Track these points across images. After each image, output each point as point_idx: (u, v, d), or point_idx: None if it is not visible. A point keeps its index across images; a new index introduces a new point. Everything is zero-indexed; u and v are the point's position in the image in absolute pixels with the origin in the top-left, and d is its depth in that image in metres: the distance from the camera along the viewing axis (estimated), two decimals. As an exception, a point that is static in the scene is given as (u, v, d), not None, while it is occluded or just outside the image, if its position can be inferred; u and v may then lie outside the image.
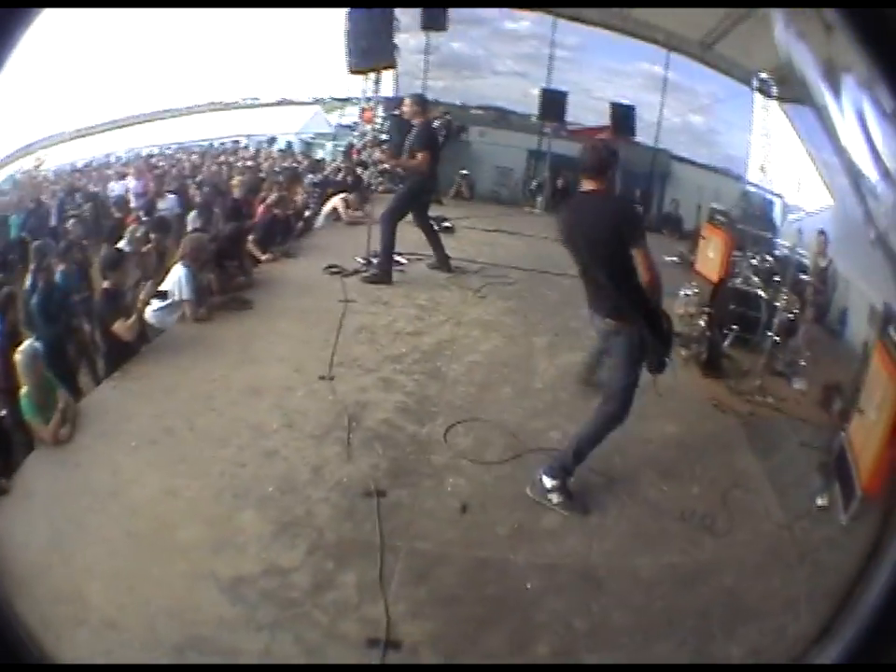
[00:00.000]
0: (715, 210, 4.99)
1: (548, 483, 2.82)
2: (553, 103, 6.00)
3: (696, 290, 4.31)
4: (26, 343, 3.31)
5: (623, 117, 5.67)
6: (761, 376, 3.75)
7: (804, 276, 4.18)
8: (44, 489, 2.80)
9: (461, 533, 2.65)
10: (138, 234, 4.78)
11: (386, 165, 5.69)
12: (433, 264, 5.10)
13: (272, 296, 4.62)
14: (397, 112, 5.45)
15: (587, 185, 2.85)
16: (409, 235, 5.01)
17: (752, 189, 4.97)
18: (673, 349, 2.95)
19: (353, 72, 5.47)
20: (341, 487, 2.84)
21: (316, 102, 7.11)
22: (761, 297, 4.16)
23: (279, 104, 6.92)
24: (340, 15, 5.06)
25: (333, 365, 3.69)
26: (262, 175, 6.45)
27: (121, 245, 4.60)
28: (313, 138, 7.29)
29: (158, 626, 2.22)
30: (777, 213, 4.71)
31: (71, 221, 4.89)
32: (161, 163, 6.31)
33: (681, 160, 5.59)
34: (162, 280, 4.25)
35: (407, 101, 5.00)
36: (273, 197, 5.51)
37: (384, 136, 6.02)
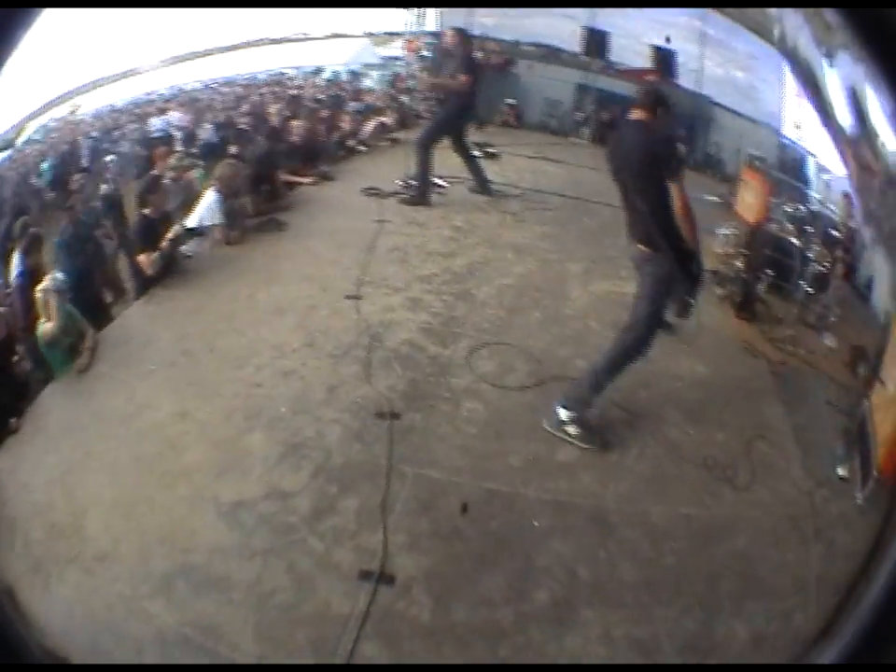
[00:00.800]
0: (753, 156, 4.76)
1: (563, 414, 2.62)
2: (594, 41, 5.85)
3: (735, 231, 4.06)
4: (47, 277, 3.22)
5: (665, 60, 5.51)
6: (793, 326, 3.56)
7: (834, 232, 3.91)
8: (55, 423, 2.74)
9: (472, 462, 2.44)
10: (184, 162, 4.72)
11: (427, 84, 5.56)
12: (474, 188, 4.81)
13: (307, 218, 4.41)
14: (441, 42, 5.34)
15: (635, 114, 2.90)
16: (452, 159, 4.70)
17: (788, 143, 4.77)
18: (700, 293, 2.92)
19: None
20: (354, 408, 2.66)
21: (367, 35, 7.00)
22: (795, 245, 3.97)
23: (330, 37, 6.81)
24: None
25: (362, 284, 3.48)
26: (305, 103, 6.34)
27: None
28: (360, 69, 7.16)
29: (150, 556, 2.14)
30: (811, 169, 4.46)
31: (109, 157, 4.86)
32: (203, 96, 6.24)
33: (723, 107, 5.48)
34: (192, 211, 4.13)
35: (449, 32, 4.91)
36: (302, 123, 5.32)
37: (427, 63, 6.02)
